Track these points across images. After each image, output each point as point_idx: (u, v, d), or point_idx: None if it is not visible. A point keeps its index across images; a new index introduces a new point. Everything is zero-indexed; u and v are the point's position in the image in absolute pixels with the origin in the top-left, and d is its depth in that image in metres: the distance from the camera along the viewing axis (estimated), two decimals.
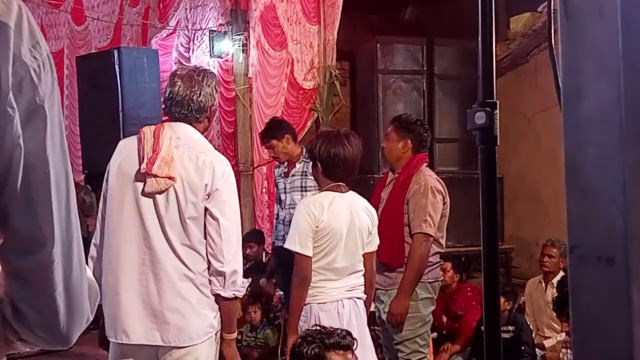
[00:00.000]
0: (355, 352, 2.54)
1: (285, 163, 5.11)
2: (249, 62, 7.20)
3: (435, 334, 4.84)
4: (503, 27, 7.78)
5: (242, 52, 7.18)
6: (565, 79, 0.91)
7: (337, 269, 3.09)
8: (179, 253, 2.53)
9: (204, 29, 7.44)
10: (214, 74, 2.80)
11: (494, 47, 1.44)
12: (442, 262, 4.19)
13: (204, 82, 2.64)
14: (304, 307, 3.06)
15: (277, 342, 5.14)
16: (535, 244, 7.07)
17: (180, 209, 2.52)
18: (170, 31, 7.87)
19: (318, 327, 2.62)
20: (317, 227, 3.04)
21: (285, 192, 5.08)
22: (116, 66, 5.37)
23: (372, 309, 3.93)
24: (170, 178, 2.50)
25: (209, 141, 8.76)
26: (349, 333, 2.54)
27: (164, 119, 3.02)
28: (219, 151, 8.60)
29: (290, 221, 5.03)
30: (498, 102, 1.45)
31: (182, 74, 2.66)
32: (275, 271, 5.38)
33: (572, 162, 0.90)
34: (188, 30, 7.64)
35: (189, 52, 7.64)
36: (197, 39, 7.56)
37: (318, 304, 3.05)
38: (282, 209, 5.12)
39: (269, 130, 5.09)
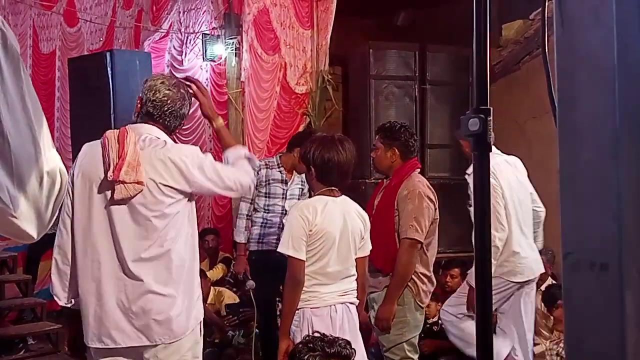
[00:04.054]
0: None
1: (282, 169, 5.11)
2: (241, 65, 7.18)
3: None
4: (495, 34, 7.81)
5: (235, 55, 7.17)
6: (560, 85, 0.91)
7: (330, 274, 3.09)
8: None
9: (197, 32, 7.42)
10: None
11: (488, 53, 1.44)
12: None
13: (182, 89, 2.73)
14: (297, 311, 3.05)
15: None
16: None
17: (154, 210, 2.52)
18: (163, 34, 7.84)
19: (319, 334, 2.60)
20: (310, 230, 3.03)
21: (283, 198, 5.08)
22: (108, 68, 5.33)
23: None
24: (138, 183, 2.48)
25: (201, 144, 8.63)
26: (348, 343, 2.53)
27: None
28: (212, 154, 8.49)
29: (267, 225, 5.02)
30: (492, 108, 1.45)
31: (170, 81, 2.72)
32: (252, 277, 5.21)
33: (566, 168, 0.90)
34: (181, 34, 7.62)
35: (181, 55, 7.62)
36: (190, 42, 7.54)
37: (311, 308, 3.04)
38: (265, 210, 5.08)
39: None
